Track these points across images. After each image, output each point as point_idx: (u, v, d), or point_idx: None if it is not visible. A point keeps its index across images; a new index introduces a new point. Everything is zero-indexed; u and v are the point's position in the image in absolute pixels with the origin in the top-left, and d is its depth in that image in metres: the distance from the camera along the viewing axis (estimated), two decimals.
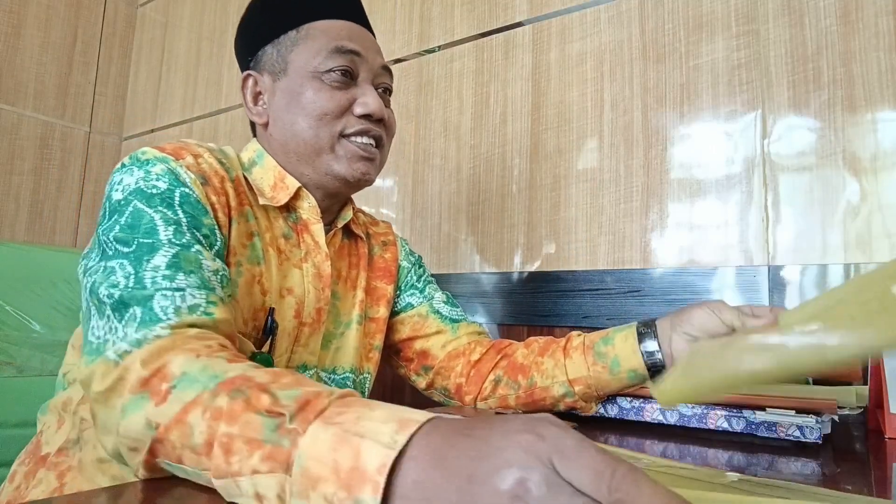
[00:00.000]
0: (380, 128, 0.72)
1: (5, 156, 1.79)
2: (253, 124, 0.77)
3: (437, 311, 0.86)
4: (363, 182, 0.72)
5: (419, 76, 1.43)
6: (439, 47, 1.41)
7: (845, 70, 0.94)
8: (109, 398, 0.45)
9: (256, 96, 0.74)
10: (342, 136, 0.70)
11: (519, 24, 1.29)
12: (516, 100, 1.27)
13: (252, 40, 0.74)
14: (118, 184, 0.59)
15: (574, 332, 0.78)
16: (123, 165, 0.61)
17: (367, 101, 0.70)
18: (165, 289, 0.51)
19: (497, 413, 0.72)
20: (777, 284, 0.96)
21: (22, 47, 1.83)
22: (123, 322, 0.49)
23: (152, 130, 2.06)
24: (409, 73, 1.44)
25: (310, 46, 0.70)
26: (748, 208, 1.00)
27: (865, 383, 0.72)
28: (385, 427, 0.33)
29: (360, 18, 0.75)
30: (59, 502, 0.39)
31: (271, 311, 0.67)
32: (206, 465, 0.38)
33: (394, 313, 0.86)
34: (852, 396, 0.62)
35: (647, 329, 0.70)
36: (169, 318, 0.49)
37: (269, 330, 0.67)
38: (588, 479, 0.26)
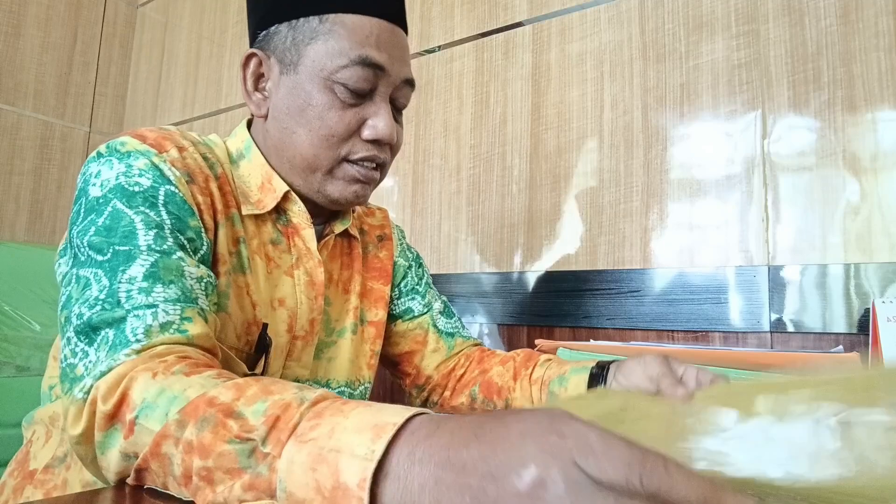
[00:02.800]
0: (386, 153, 0.66)
1: (5, 156, 1.79)
2: None
3: (436, 325, 0.84)
4: (355, 204, 0.67)
5: (419, 76, 1.43)
6: (439, 47, 1.41)
7: (845, 70, 0.94)
8: (88, 439, 0.44)
9: (258, 79, 0.65)
10: (345, 159, 0.64)
11: (519, 24, 1.29)
12: (516, 100, 1.27)
13: (267, 13, 0.64)
14: (95, 177, 0.54)
15: (544, 356, 0.78)
16: (100, 155, 0.56)
17: (378, 124, 0.62)
18: (139, 306, 0.47)
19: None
20: (777, 284, 0.96)
21: (22, 47, 1.83)
22: (95, 346, 0.46)
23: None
24: None
25: (331, 45, 0.61)
26: (748, 208, 1.00)
27: None
28: (360, 437, 0.32)
29: (397, 16, 0.65)
30: (61, 502, 0.39)
31: (265, 326, 0.63)
32: (190, 494, 0.38)
33: (392, 316, 0.83)
34: None
35: (599, 372, 0.68)
36: (139, 341, 0.46)
37: (262, 347, 0.62)
38: (618, 472, 0.25)
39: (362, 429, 0.32)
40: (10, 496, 0.62)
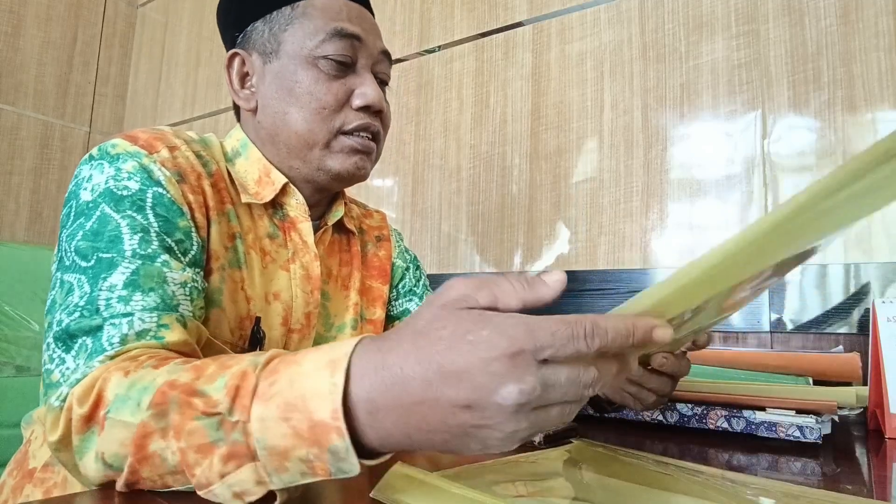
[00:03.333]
0: (377, 122, 0.68)
1: (5, 156, 1.79)
2: (237, 111, 0.72)
3: None
4: (357, 178, 0.68)
5: (419, 76, 1.43)
6: (439, 47, 1.41)
7: (845, 70, 0.94)
8: (67, 445, 0.43)
9: (243, 78, 0.68)
10: (340, 132, 0.65)
11: (519, 24, 1.29)
12: (516, 100, 1.27)
13: (241, 15, 0.67)
14: (86, 181, 0.55)
15: None
16: (92, 158, 0.56)
17: (367, 91, 0.65)
18: (117, 315, 0.48)
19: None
20: (777, 284, 0.96)
21: (22, 47, 1.83)
22: (73, 353, 0.47)
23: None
24: (409, 73, 1.45)
25: (306, 26, 0.64)
26: (748, 208, 1.00)
27: (865, 384, 0.72)
28: (319, 376, 0.34)
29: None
30: (60, 502, 0.39)
31: (257, 320, 0.63)
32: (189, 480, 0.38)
33: (389, 317, 0.83)
34: (852, 397, 0.62)
35: None
36: (112, 348, 0.47)
37: (256, 341, 0.63)
38: (572, 347, 0.32)
39: (318, 369, 0.34)
40: (10, 495, 0.62)
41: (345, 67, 0.65)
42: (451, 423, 0.32)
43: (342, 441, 0.33)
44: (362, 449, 0.34)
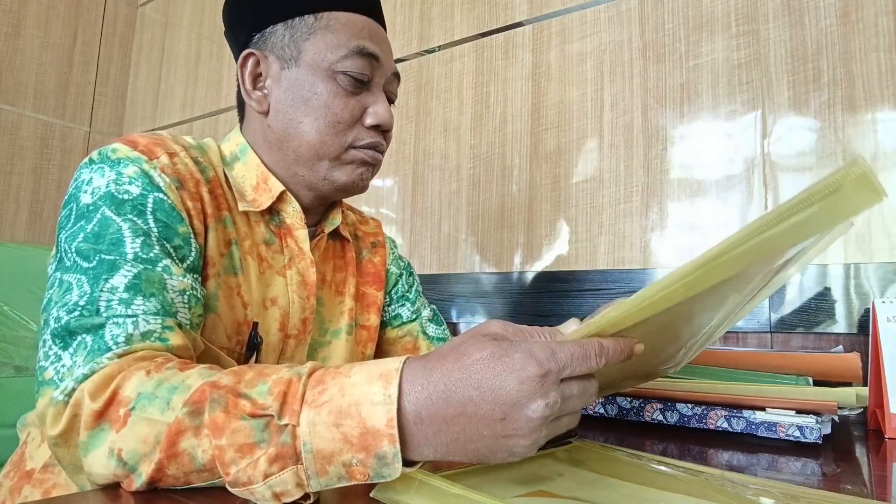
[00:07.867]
0: (384, 140, 0.69)
1: (5, 156, 1.79)
2: (241, 110, 0.71)
3: (425, 332, 0.85)
4: (359, 189, 0.69)
5: (419, 76, 1.43)
6: (439, 47, 1.41)
7: (845, 70, 0.93)
8: (69, 439, 0.43)
9: (255, 78, 0.67)
10: (350, 146, 0.66)
11: (519, 24, 1.29)
12: (516, 100, 1.27)
13: (261, 15, 0.67)
14: (87, 184, 0.55)
15: None
16: (92, 162, 0.57)
17: (380, 111, 0.66)
18: (119, 315, 0.48)
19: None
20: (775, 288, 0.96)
21: (22, 47, 1.83)
22: (71, 350, 0.46)
23: (152, 130, 2.06)
24: (409, 73, 1.44)
25: (329, 39, 0.65)
26: (748, 208, 1.00)
27: (865, 384, 0.72)
28: (372, 387, 0.37)
29: (380, 17, 0.71)
30: (59, 502, 0.39)
31: (255, 325, 0.63)
32: (218, 476, 0.39)
33: (382, 322, 0.84)
34: (852, 397, 0.62)
35: None
36: (118, 346, 0.46)
37: (253, 346, 0.63)
38: (584, 365, 0.38)
39: (370, 380, 0.37)
40: (7, 497, 0.62)
41: (361, 84, 0.66)
42: (485, 434, 0.36)
43: (392, 447, 0.35)
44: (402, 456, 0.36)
